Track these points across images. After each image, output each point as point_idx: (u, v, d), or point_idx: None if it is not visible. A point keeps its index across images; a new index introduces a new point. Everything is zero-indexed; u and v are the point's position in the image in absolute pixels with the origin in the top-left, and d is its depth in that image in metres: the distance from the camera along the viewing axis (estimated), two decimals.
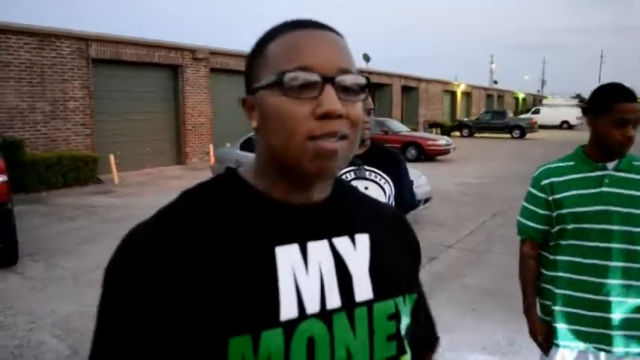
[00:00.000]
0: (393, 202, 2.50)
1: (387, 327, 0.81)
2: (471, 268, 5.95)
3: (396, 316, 0.82)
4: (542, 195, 2.08)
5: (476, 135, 30.32)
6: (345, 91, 0.75)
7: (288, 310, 0.73)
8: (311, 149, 0.73)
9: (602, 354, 1.97)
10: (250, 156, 9.25)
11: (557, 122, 39.00)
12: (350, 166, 2.41)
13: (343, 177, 2.38)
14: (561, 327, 2.05)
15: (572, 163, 2.08)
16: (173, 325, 0.71)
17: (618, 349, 1.94)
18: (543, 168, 2.13)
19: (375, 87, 28.44)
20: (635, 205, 1.93)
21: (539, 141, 26.63)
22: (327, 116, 0.72)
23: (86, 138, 13.52)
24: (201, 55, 16.85)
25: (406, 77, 31.10)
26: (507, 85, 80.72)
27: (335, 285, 0.78)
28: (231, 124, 18.06)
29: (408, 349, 0.86)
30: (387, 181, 2.48)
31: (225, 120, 17.57)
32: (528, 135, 29.31)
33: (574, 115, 39.35)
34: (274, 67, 0.75)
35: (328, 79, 0.73)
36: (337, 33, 0.81)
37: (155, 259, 0.72)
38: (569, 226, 2.00)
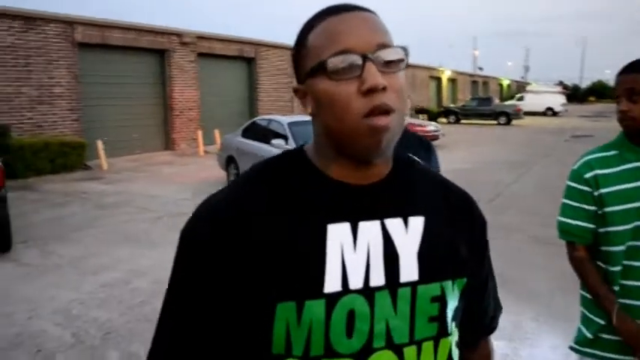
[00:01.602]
0: None
1: (430, 308, 0.84)
2: None
3: (440, 299, 0.85)
4: (586, 188, 1.82)
5: (462, 121, 30.43)
6: (386, 64, 0.79)
7: (332, 284, 0.79)
8: (365, 126, 0.77)
9: None
10: (250, 143, 9.25)
11: (542, 109, 39.21)
12: None
13: None
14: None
15: (616, 152, 1.82)
16: (234, 286, 0.79)
17: None
18: (585, 159, 1.87)
19: None
20: None
21: (525, 127, 26.82)
22: (372, 91, 0.76)
23: (73, 123, 13.32)
24: (189, 40, 16.64)
25: None
26: (491, 71, 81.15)
27: (381, 264, 0.82)
28: (219, 110, 17.91)
29: (452, 331, 0.88)
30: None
31: (212, 105, 17.42)
32: (514, 121, 29.49)
33: (558, 101, 39.70)
34: (317, 56, 0.80)
35: (367, 57, 0.77)
36: (369, 11, 0.84)
37: (225, 226, 0.80)
38: (620, 228, 1.76)
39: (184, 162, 14.37)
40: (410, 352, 0.82)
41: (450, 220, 0.92)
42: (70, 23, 13.28)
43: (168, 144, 16.50)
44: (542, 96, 40.42)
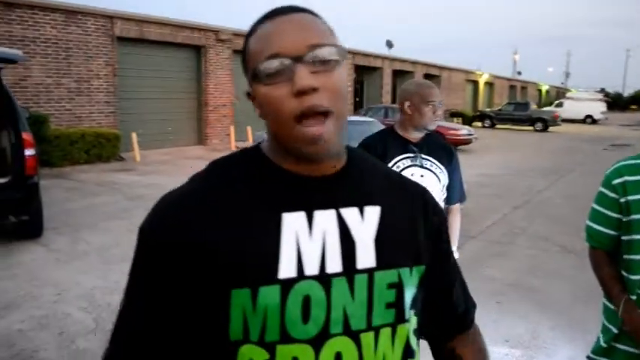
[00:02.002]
0: (446, 193, 2.55)
1: (387, 295, 0.85)
2: (493, 260, 5.90)
3: (397, 286, 0.86)
4: (613, 195, 1.80)
5: (497, 126, 29.98)
6: (320, 64, 0.80)
7: (286, 270, 0.80)
8: (301, 134, 0.79)
9: None
10: None
11: (581, 116, 38.32)
12: (406, 153, 2.46)
13: (400, 163, 2.44)
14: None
15: None
16: (190, 278, 0.80)
17: None
18: (617, 165, 1.84)
19: (397, 74, 28.24)
20: None
21: (562, 135, 26.25)
22: (302, 92, 0.77)
23: (109, 115, 13.64)
24: (225, 37, 16.82)
25: (429, 65, 30.82)
26: (531, 76, 79.59)
27: (337, 251, 0.84)
28: (252, 106, 18.03)
29: (410, 318, 0.90)
30: (442, 170, 2.51)
31: (246, 102, 17.55)
32: (551, 128, 28.90)
33: (599, 109, 38.70)
34: (254, 61, 0.82)
35: (297, 59, 0.78)
36: (307, 12, 0.85)
37: (181, 221, 0.82)
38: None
39: (215, 157, 14.52)
40: (367, 338, 0.83)
41: (406, 210, 0.93)
42: (109, 17, 13.60)
43: (201, 139, 16.73)
44: (582, 103, 39.43)
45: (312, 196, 0.86)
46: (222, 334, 0.80)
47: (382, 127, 9.90)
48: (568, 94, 45.81)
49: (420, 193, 0.99)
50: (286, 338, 0.79)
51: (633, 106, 70.36)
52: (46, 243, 6.00)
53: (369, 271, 0.84)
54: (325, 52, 0.80)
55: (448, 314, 1.03)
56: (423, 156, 2.47)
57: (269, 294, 0.79)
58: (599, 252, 1.89)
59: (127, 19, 14.12)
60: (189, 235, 0.81)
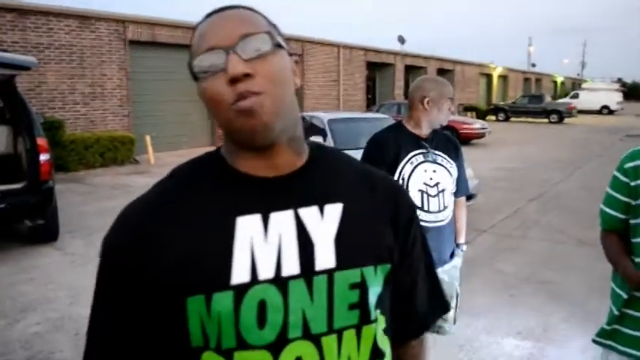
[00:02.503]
0: (456, 187, 2.57)
1: (350, 295, 0.83)
2: (506, 254, 5.87)
3: (360, 286, 0.84)
4: (624, 179, 1.81)
5: (512, 119, 29.74)
6: (254, 50, 0.80)
7: (239, 275, 0.79)
8: (234, 112, 0.79)
9: None
10: None
11: (597, 107, 37.89)
12: (418, 149, 2.47)
13: (414, 159, 2.45)
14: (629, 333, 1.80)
15: None
16: (150, 288, 0.81)
17: None
18: (632, 150, 1.85)
19: (409, 69, 28.11)
20: None
21: (578, 126, 25.95)
22: (235, 80, 0.78)
23: (123, 119, 13.77)
24: None
25: (442, 60, 30.64)
26: (546, 68, 78.78)
27: (295, 253, 0.82)
28: None
29: (377, 318, 0.87)
30: (452, 165, 2.53)
31: None
32: (566, 120, 28.59)
33: (615, 99, 38.21)
34: (193, 59, 0.83)
35: (228, 49, 0.79)
36: (242, 8, 0.86)
37: (137, 232, 0.83)
38: None
39: None
40: (329, 341, 0.81)
41: (372, 208, 0.91)
42: (121, 22, 13.73)
43: (214, 140, 16.80)
44: (598, 93, 39.00)
45: (269, 198, 0.84)
46: (184, 340, 0.81)
47: (393, 122, 9.80)
48: (584, 85, 45.30)
49: (392, 190, 0.97)
50: (243, 344, 0.78)
51: None
52: (62, 247, 6.09)
53: (329, 272, 0.82)
54: (257, 40, 0.81)
55: (406, 319, 1.00)
56: (434, 151, 2.49)
57: (222, 300, 0.78)
58: (610, 234, 1.90)
59: (139, 22, 14.24)
60: (145, 246, 0.82)
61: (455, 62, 32.05)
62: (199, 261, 0.80)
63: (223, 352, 0.78)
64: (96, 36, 13.13)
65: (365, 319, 0.85)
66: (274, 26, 0.88)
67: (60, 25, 12.37)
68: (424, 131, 2.51)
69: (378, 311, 0.88)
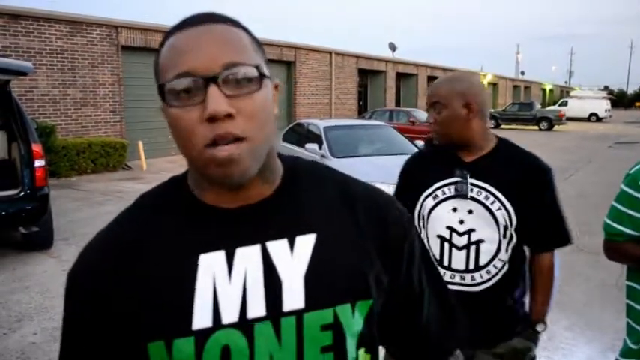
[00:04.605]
0: (515, 239, 1.76)
1: (322, 337, 0.76)
2: None
3: (333, 327, 0.76)
4: (638, 195, 1.72)
5: (502, 126, 29.92)
6: (237, 84, 0.70)
7: (201, 319, 0.74)
8: (207, 157, 0.70)
9: None
10: (290, 148, 9.22)
11: (586, 114, 38.20)
12: (451, 177, 1.77)
13: (439, 192, 1.79)
14: None
15: None
16: (111, 330, 0.76)
17: None
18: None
19: (400, 77, 28.23)
20: None
21: (568, 134, 26.16)
22: (214, 119, 0.68)
23: (115, 125, 13.68)
24: None
25: (432, 67, 30.83)
26: (534, 75, 79.49)
27: (261, 293, 0.75)
28: None
29: (356, 358, 0.80)
30: (502, 205, 1.71)
31: None
32: (556, 127, 28.83)
33: (603, 107, 38.59)
34: (164, 78, 0.73)
35: (210, 79, 0.69)
36: (226, 21, 0.75)
37: (98, 269, 0.78)
38: None
39: None
40: None
41: (354, 234, 0.82)
42: (114, 27, 13.66)
43: None
44: (586, 101, 39.36)
45: (234, 232, 0.77)
46: None
47: (391, 129, 9.82)
48: (572, 93, 45.74)
49: (378, 212, 0.85)
50: None
51: (638, 103, 70.13)
52: (57, 254, 6.01)
53: (298, 313, 0.75)
54: (242, 73, 0.71)
55: (417, 340, 0.93)
56: (475, 182, 1.73)
57: (183, 346, 0.73)
58: (623, 243, 1.80)
59: (132, 27, 14.17)
60: (106, 285, 0.76)
61: (445, 69, 32.21)
62: (160, 305, 0.74)
63: None
64: (88, 41, 13.04)
65: None
66: (259, 45, 0.78)
67: (51, 30, 12.27)
68: (466, 152, 1.79)
69: (362, 350, 0.81)
